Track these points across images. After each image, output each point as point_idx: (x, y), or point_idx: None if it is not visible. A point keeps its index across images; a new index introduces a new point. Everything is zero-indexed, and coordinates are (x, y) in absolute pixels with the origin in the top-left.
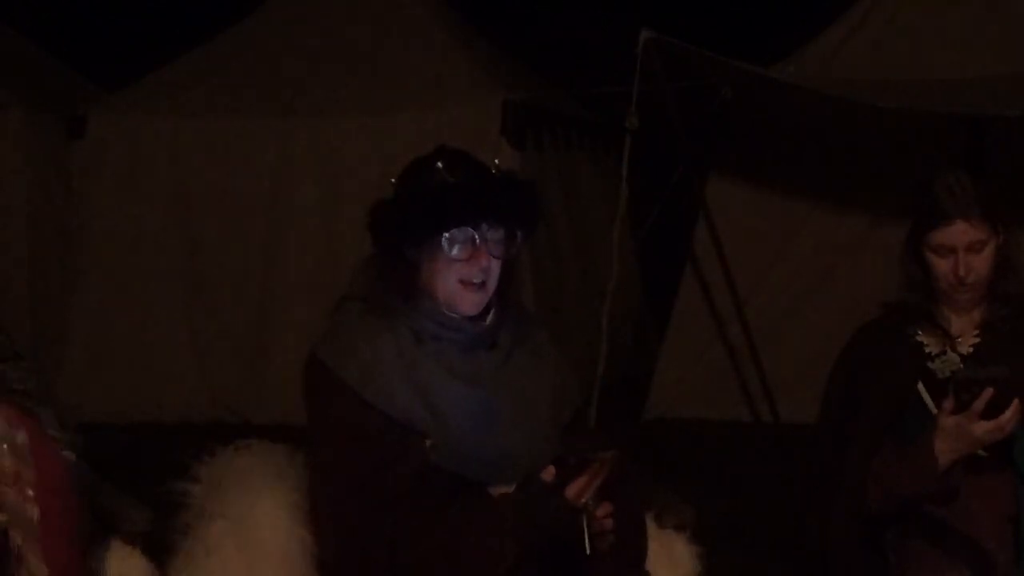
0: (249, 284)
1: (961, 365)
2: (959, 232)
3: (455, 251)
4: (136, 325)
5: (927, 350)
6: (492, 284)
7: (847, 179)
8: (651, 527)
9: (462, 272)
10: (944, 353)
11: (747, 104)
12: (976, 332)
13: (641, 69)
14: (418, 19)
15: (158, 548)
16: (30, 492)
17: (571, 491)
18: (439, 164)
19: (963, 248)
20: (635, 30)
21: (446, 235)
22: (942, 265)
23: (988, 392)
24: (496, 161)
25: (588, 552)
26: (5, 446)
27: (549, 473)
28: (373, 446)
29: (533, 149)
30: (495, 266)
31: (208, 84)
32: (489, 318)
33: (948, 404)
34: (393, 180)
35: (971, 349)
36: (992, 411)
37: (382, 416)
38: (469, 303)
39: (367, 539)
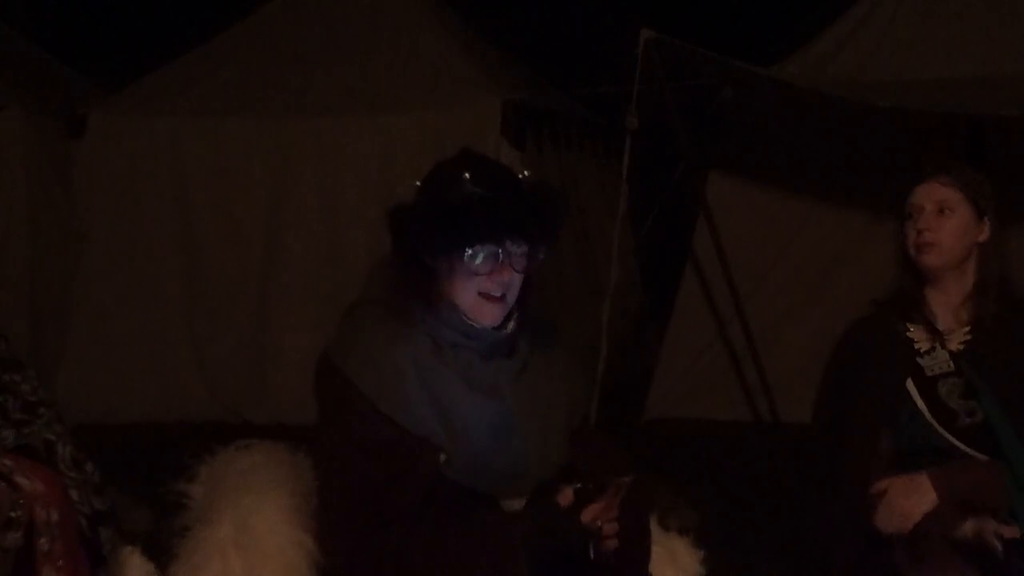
0: (249, 284)
1: (951, 363)
2: (928, 190)
3: (478, 265)
4: (136, 325)
5: (916, 346)
6: (512, 297)
7: (847, 179)
8: (654, 530)
9: (483, 285)
10: (933, 350)
11: (747, 104)
12: (967, 330)
13: (641, 69)
14: (418, 19)
15: (158, 548)
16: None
17: (587, 515)
18: (466, 175)
19: (929, 206)
20: (635, 30)
21: (469, 250)
22: (909, 228)
23: None
24: (525, 172)
25: (592, 557)
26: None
27: (566, 498)
28: (385, 458)
29: (533, 149)
30: (516, 280)
31: (208, 84)
32: (509, 326)
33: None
34: (417, 183)
35: (961, 346)
36: None
37: (396, 428)
38: (489, 315)
39: (376, 552)
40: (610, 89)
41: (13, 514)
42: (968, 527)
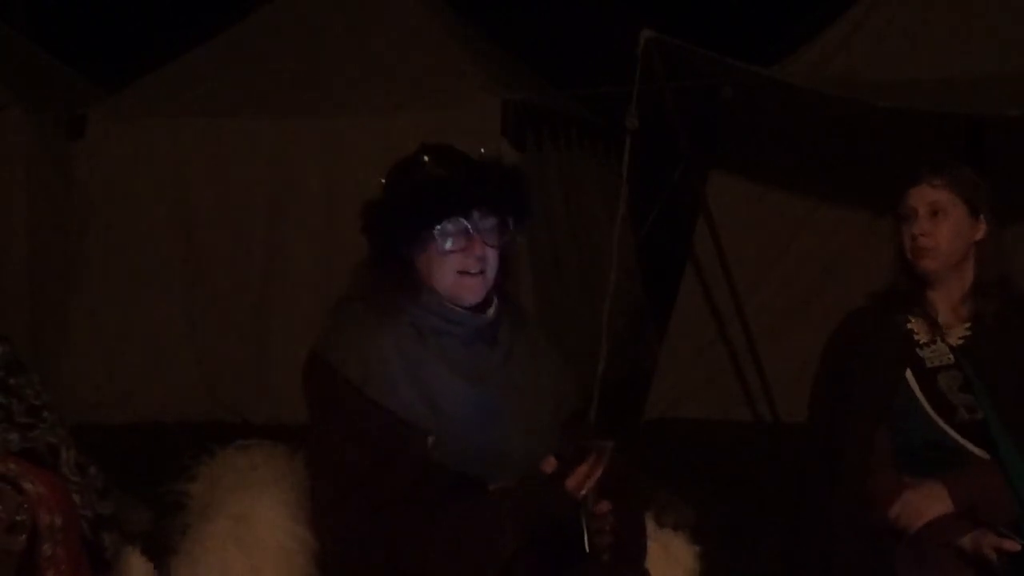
0: (249, 284)
1: (951, 355)
2: (920, 192)
3: (449, 243)
4: (136, 325)
5: (916, 338)
6: (491, 273)
7: (847, 179)
8: (650, 526)
9: (459, 263)
10: (934, 342)
11: (747, 104)
12: (967, 325)
13: (641, 69)
14: (418, 19)
15: (158, 548)
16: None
17: (571, 482)
18: (425, 158)
19: (923, 209)
20: (635, 30)
21: (438, 227)
22: (905, 231)
23: None
24: (482, 150)
25: (587, 550)
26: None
27: (549, 464)
28: (374, 443)
29: (533, 149)
30: (491, 255)
31: (208, 84)
32: (490, 311)
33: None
34: (383, 180)
35: (961, 341)
36: None
37: (384, 413)
38: (470, 291)
39: (367, 537)
40: (610, 89)
41: (18, 518)
42: (967, 540)
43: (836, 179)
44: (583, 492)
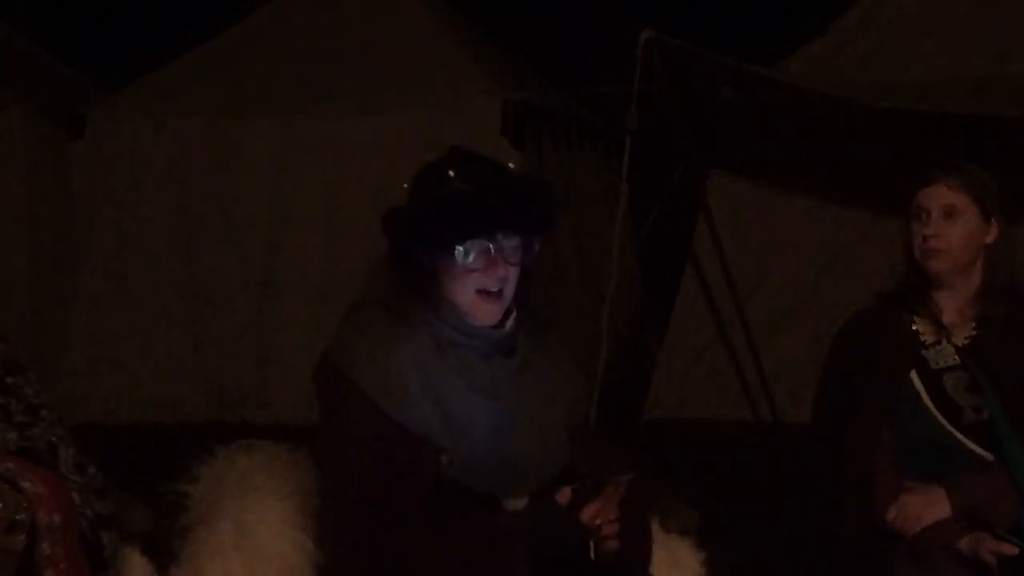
0: (249, 284)
1: (956, 357)
2: (934, 193)
3: (471, 261)
4: (136, 325)
5: (922, 338)
6: (510, 292)
7: (847, 179)
8: (656, 532)
9: (479, 281)
10: (939, 343)
11: (747, 104)
12: (973, 325)
13: (641, 69)
14: (419, 19)
15: (158, 549)
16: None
17: (587, 514)
18: (451, 172)
19: (936, 210)
20: (635, 30)
21: (460, 247)
22: (916, 231)
23: None
24: (511, 165)
25: (593, 558)
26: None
27: (565, 496)
28: (387, 457)
29: (533, 149)
30: (512, 274)
31: (208, 84)
32: (509, 324)
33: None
34: (406, 186)
35: (967, 341)
36: None
37: (398, 428)
38: (486, 313)
39: (376, 551)
40: (610, 89)
41: (17, 517)
42: (965, 543)
43: (836, 179)
44: (598, 523)
